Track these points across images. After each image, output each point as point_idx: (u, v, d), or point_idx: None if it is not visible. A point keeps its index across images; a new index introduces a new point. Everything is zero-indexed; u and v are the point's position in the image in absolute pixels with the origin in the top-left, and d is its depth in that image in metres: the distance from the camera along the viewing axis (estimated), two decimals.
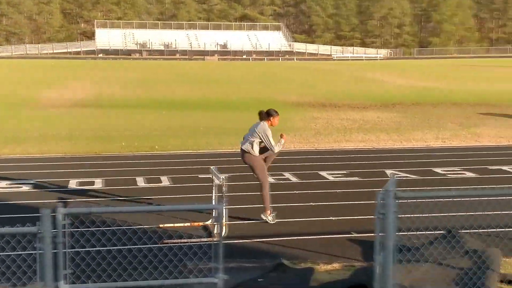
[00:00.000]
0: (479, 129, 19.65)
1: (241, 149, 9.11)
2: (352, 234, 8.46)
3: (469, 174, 12.69)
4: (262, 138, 8.88)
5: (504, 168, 13.31)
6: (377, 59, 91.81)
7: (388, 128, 20.16)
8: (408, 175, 12.61)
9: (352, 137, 18.27)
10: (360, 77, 48.27)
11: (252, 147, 8.92)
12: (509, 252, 7.32)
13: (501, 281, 6.30)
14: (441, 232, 7.65)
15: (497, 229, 7.67)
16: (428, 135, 18.62)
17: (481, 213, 8.11)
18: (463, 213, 8.41)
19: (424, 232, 7.17)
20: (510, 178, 12.19)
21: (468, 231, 7.70)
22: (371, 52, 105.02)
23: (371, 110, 25.64)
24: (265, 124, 9.04)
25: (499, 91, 33.50)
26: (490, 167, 13.41)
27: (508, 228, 7.94)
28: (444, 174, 12.73)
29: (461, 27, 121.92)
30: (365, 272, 6.04)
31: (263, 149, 9.04)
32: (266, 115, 9.13)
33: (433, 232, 7.54)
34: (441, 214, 7.35)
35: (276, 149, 8.99)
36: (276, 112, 9.28)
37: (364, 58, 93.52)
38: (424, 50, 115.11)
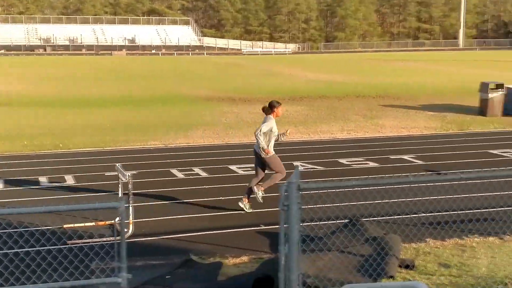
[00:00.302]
0: (382, 120, 20.38)
1: (254, 149, 9.30)
2: (261, 226, 8.53)
3: (372, 164, 13.14)
4: (262, 125, 9.08)
5: (405, 157, 13.87)
6: (285, 54, 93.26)
7: (296, 121, 20.49)
8: (314, 167, 12.88)
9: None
10: (270, 71, 48.84)
11: (261, 144, 9.04)
12: (407, 238, 7.66)
13: (400, 266, 6.57)
14: (344, 221, 7.88)
15: (395, 216, 7.99)
16: (334, 127, 19.10)
17: (380, 201, 8.43)
18: (363, 202, 8.73)
19: (327, 222, 7.35)
20: (409, 167, 12.73)
21: (369, 219, 7.98)
22: (280, 46, 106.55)
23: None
24: (269, 117, 9.21)
25: (400, 84, 34.93)
26: (392, 157, 13.94)
27: (406, 215, 8.30)
28: (348, 165, 13.11)
29: (364, 22, 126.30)
30: (272, 263, 6.10)
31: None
32: (269, 108, 9.30)
33: (335, 221, 7.75)
34: (342, 204, 7.56)
35: (259, 138, 8.98)
36: (278, 102, 9.41)
37: (273, 52, 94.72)
38: (330, 44, 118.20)
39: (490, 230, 8.06)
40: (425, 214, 8.85)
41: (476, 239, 7.76)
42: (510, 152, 14.28)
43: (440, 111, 22.42)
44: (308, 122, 20.26)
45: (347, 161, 13.52)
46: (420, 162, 13.30)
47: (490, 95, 21.00)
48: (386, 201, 8.44)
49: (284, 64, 59.35)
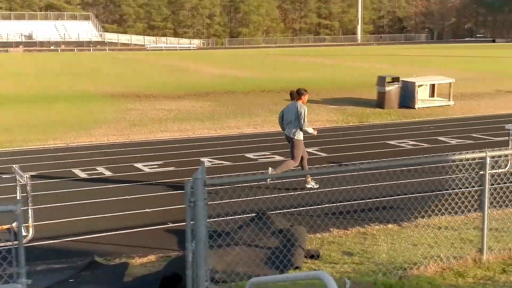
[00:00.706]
0: None
1: (285, 135, 10.21)
2: (168, 224, 8.45)
3: (278, 158, 13.35)
4: (301, 115, 9.91)
5: (309, 150, 14.18)
6: (190, 49, 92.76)
7: (202, 117, 20.45)
8: (222, 162, 12.92)
9: (168, 127, 18.25)
10: (175, 67, 48.40)
11: (297, 132, 10.01)
12: (312, 229, 7.85)
13: (306, 256, 6.73)
14: (250, 215, 7.96)
15: (300, 208, 8.18)
16: (241, 122, 19.23)
17: (285, 194, 8.59)
18: (269, 195, 8.86)
19: (234, 217, 7.40)
20: (313, 159, 13.04)
21: (275, 212, 8.11)
22: (184, 42, 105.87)
23: (186, 99, 25.82)
24: (299, 103, 10.10)
25: (302, 79, 35.72)
26: None
27: (310, 206, 8.51)
28: (255, 159, 13.25)
29: (267, 18, 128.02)
30: (179, 261, 6.06)
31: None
32: (297, 94, 10.19)
33: (242, 216, 7.82)
34: (249, 198, 7.64)
35: (306, 129, 10.02)
36: (305, 90, 10.37)
37: (178, 48, 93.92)
38: (234, 40, 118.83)
39: (389, 218, 8.44)
40: (328, 205, 9.12)
41: (376, 227, 8.09)
42: (406, 142, 14.98)
43: (341, 105, 23.14)
44: (215, 117, 20.28)
45: (254, 155, 13.66)
46: (323, 154, 13.68)
47: (387, 88, 21.91)
48: (291, 193, 8.61)
49: (189, 60, 59.00)
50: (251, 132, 17.35)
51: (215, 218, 7.54)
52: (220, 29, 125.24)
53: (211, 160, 13.10)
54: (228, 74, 40.09)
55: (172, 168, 12.39)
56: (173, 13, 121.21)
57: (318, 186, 10.06)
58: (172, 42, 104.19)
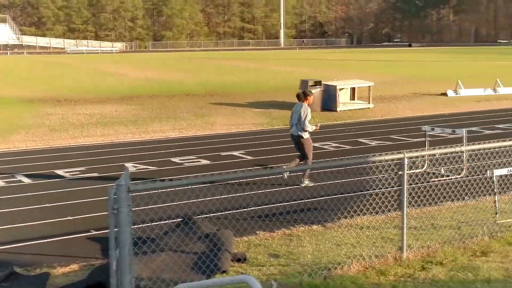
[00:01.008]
0: (212, 118, 20.75)
1: (291, 134, 10.76)
2: (91, 232, 8.24)
3: (204, 162, 13.32)
4: (303, 115, 10.45)
5: (235, 153, 14.26)
6: (113, 52, 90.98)
7: (126, 121, 20.10)
8: (147, 167, 12.75)
9: (90, 132, 17.82)
10: (96, 70, 47.32)
11: (302, 131, 10.51)
12: (239, 232, 7.89)
13: (232, 260, 6.75)
14: (176, 220, 7.89)
15: (226, 212, 8.19)
16: (165, 126, 19.05)
17: (211, 198, 8.58)
18: (195, 200, 8.81)
19: (159, 223, 7.32)
20: (239, 162, 13.11)
21: (201, 216, 8.08)
22: (106, 45, 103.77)
23: (109, 103, 25.30)
24: (305, 105, 10.69)
25: (227, 82, 35.83)
26: (223, 153, 14.25)
27: (236, 210, 8.55)
28: (181, 163, 13.16)
29: (191, 21, 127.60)
30: (103, 269, 5.92)
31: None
32: (303, 95, 10.84)
33: (167, 221, 7.74)
34: (174, 203, 7.57)
35: (307, 128, 10.50)
36: (311, 92, 11.31)
37: (99, 51, 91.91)
38: (158, 43, 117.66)
39: (313, 219, 8.60)
40: (254, 208, 9.18)
41: (301, 228, 8.22)
42: (329, 144, 15.32)
43: (266, 108, 23.37)
44: (139, 121, 19.98)
45: (179, 159, 13.56)
46: (249, 157, 13.76)
47: None
48: (217, 197, 8.60)
49: (111, 63, 57.84)
50: (176, 136, 17.22)
51: (140, 224, 7.43)
52: (143, 32, 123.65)
53: (136, 165, 12.89)
54: (152, 78, 39.62)
55: (95, 174, 12.10)
56: (93, 15, 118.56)
57: (313, 185, 10.52)
58: (93, 45, 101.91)
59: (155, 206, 7.07)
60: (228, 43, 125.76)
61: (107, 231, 7.81)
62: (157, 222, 7.23)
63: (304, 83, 22.89)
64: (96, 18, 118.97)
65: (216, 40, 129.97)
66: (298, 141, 10.72)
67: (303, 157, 10.70)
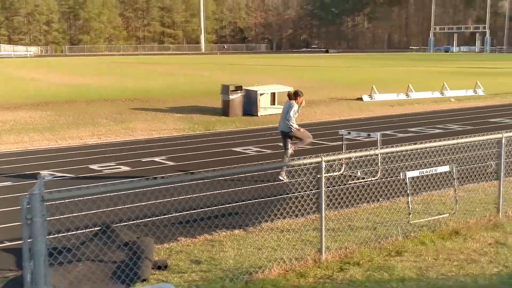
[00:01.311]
0: (132, 124, 20.41)
1: (281, 131, 11.47)
2: (4, 243, 7.90)
3: (124, 168, 13.09)
4: (289, 110, 11.19)
5: (156, 159, 14.10)
6: (27, 57, 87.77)
7: (41, 127, 19.43)
8: (64, 175, 12.37)
9: (3, 139, 17.09)
10: (10, 75, 45.44)
11: (289, 125, 11.20)
12: (160, 239, 7.81)
13: (153, 268, 6.67)
14: (94, 229, 7.71)
15: (146, 219, 8.08)
16: (83, 132, 18.56)
17: (130, 205, 8.44)
18: (113, 208, 8.65)
19: (75, 232, 7.12)
20: (160, 168, 12.98)
21: (120, 224, 7.93)
22: (20, 49, 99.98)
23: (23, 109, 24.36)
24: (292, 102, 11.36)
25: (148, 87, 35.39)
26: (143, 160, 14.06)
27: (157, 216, 8.45)
28: (100, 170, 12.87)
29: (109, 25, 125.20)
30: (18, 281, 5.70)
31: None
32: (294, 95, 11.45)
33: (84, 230, 7.54)
34: (91, 212, 7.39)
35: (292, 124, 11.20)
36: (302, 93, 11.62)
37: (13, 55, 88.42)
38: (75, 47, 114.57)
39: (235, 223, 8.64)
40: (175, 214, 9.12)
41: (223, 233, 8.23)
42: (251, 149, 15.44)
43: (187, 113, 23.25)
44: (55, 128, 19.36)
45: (98, 166, 13.26)
46: (171, 163, 13.65)
47: (231, 97, 22.44)
48: (137, 204, 8.47)
49: (26, 68, 55.74)
50: (95, 143, 16.82)
51: (55, 234, 7.20)
52: (59, 36, 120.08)
53: (52, 173, 12.49)
54: (69, 83, 38.51)
55: (8, 183, 11.61)
56: (7, 19, 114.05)
57: (286, 181, 10.97)
58: (6, 49, 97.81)
59: (71, 215, 6.86)
60: (148, 47, 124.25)
61: (21, 241, 7.57)
62: (73, 232, 7.02)
63: (225, 88, 22.97)
64: (9, 21, 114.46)
65: (136, 44, 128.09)
66: (287, 135, 11.44)
67: (285, 148, 11.51)
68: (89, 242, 6.97)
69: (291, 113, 11.23)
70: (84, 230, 7.49)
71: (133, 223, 8.44)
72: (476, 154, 11.45)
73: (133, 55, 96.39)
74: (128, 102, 27.59)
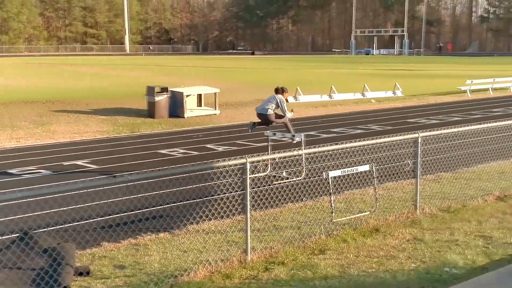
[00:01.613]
0: (53, 126, 19.80)
1: (259, 114, 12.49)
2: None
3: (44, 172, 12.68)
4: (280, 104, 12.29)
5: (79, 162, 13.74)
6: None
7: None
8: None
9: None
10: None
11: (269, 111, 12.30)
12: (82, 245, 7.62)
13: (75, 274, 6.50)
14: (11, 236, 7.43)
15: (67, 224, 7.85)
16: (1, 135, 17.85)
17: (49, 210, 8.19)
18: (31, 214, 8.36)
19: None
20: (83, 172, 12.66)
21: (39, 231, 7.67)
22: None
23: None
24: (279, 96, 12.44)
25: (69, 88, 34.45)
26: (65, 163, 13.68)
27: (78, 221, 8.24)
28: (19, 175, 12.41)
29: (29, 25, 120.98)
30: None
31: (276, 116, 12.50)
32: (281, 90, 12.52)
33: (1, 238, 7.25)
34: (8, 218, 7.12)
35: (288, 114, 12.55)
36: (287, 89, 12.84)
37: None
38: None
39: (159, 227, 8.55)
40: (97, 219, 8.92)
41: (148, 236, 8.13)
42: (177, 151, 15.33)
43: (111, 115, 22.80)
44: None
45: (17, 171, 12.78)
46: (94, 166, 13.34)
47: (156, 98, 22.19)
48: (56, 210, 8.21)
49: None
50: (13, 146, 16.21)
51: None
52: None
53: None
54: None
55: None
56: None
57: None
58: None
59: None
60: (70, 48, 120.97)
61: None
62: None
63: (150, 89, 22.70)
64: None
65: (57, 45, 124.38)
66: (265, 119, 12.48)
67: (279, 118, 12.59)
68: (6, 249, 6.70)
69: (285, 109, 12.48)
70: (1, 237, 7.19)
71: (52, 229, 8.19)
72: (395, 153, 11.87)
73: (54, 56, 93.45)
74: (49, 104, 26.76)
